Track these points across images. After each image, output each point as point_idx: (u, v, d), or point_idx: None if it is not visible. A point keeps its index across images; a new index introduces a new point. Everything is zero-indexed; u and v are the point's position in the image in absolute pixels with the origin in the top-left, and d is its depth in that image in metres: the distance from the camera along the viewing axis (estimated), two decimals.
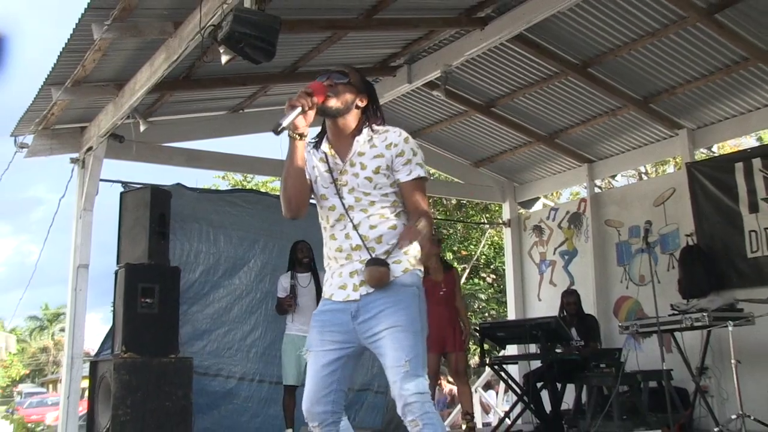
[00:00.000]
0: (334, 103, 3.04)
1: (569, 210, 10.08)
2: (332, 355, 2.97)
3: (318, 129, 3.27)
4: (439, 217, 17.97)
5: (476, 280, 19.18)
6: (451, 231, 18.96)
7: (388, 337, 2.85)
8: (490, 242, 18.38)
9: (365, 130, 3.09)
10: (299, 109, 2.91)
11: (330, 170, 3.07)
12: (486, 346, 8.46)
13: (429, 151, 10.14)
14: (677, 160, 8.66)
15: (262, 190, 12.70)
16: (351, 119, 3.10)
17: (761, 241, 7.79)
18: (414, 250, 2.99)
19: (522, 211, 10.85)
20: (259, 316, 8.09)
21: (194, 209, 7.91)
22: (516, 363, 8.95)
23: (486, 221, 16.96)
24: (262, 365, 8.00)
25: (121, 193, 7.24)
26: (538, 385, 7.80)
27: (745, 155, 8.25)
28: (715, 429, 6.27)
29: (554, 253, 10.16)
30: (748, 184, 7.93)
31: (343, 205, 3.02)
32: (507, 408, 9.43)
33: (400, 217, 3.04)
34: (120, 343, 6.38)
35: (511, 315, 10.50)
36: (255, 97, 8.17)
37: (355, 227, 2.98)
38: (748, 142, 12.46)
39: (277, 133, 2.90)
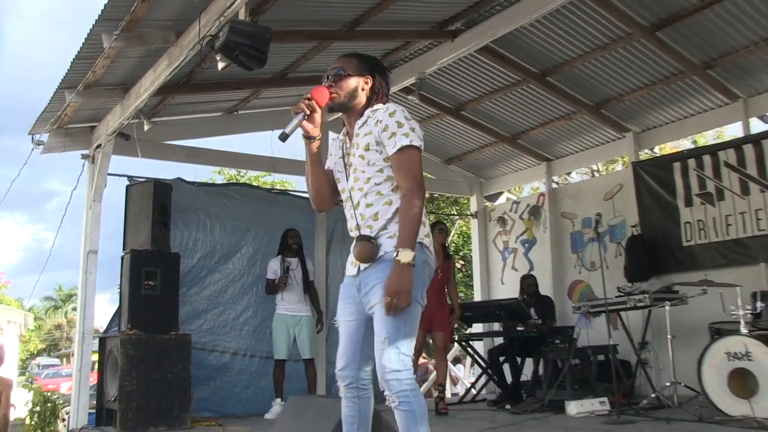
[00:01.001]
0: (337, 98, 2.96)
1: (529, 203, 10.20)
2: (353, 325, 2.93)
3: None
4: None
5: None
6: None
7: (377, 312, 2.76)
8: (459, 232, 18.50)
9: (366, 112, 2.98)
10: (301, 116, 2.87)
11: (343, 155, 3.01)
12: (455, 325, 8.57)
13: None
14: (625, 159, 8.79)
15: (255, 184, 12.65)
16: (361, 102, 3.00)
17: (694, 231, 7.98)
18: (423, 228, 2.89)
19: (487, 204, 10.94)
20: (251, 297, 8.16)
21: (193, 201, 7.98)
22: (481, 339, 9.09)
23: (456, 213, 17.08)
24: (254, 341, 8.08)
25: (127, 186, 7.28)
26: (501, 359, 7.92)
27: (682, 156, 8.43)
28: (652, 395, 6.42)
29: (516, 242, 10.27)
30: (684, 181, 8.11)
31: (347, 186, 2.96)
32: (473, 380, 9.55)
33: (397, 192, 2.87)
34: (126, 321, 6.47)
35: (477, 297, 10.60)
36: (248, 100, 8.23)
37: (354, 207, 2.92)
38: (685, 144, 12.63)
39: (283, 140, 2.87)
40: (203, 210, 8.06)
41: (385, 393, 2.70)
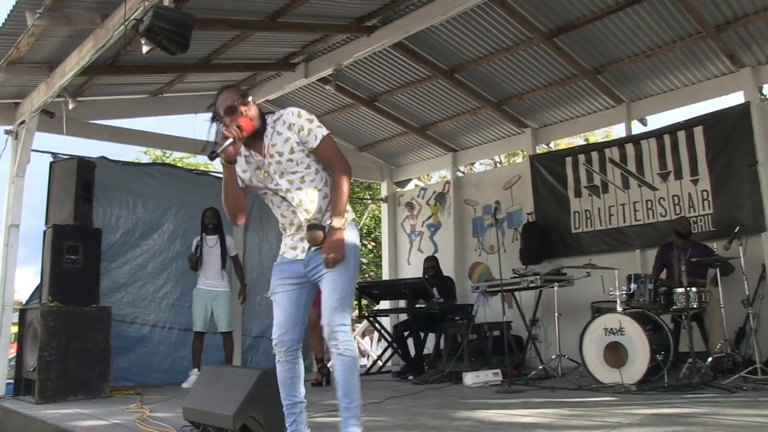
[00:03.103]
0: (254, 125, 3.06)
1: (436, 190, 10.37)
2: (294, 293, 3.14)
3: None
4: None
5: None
6: None
7: (327, 278, 3.03)
8: (371, 215, 18.60)
9: (268, 123, 3.13)
10: (231, 140, 2.94)
11: (259, 167, 3.13)
12: (364, 302, 8.64)
13: None
14: (524, 152, 9.04)
15: (179, 165, 12.35)
16: (260, 123, 3.11)
17: (582, 220, 8.32)
18: (349, 212, 3.16)
19: (397, 189, 11.05)
20: (171, 272, 8.04)
21: (116, 179, 7.77)
22: (387, 315, 9.19)
23: (369, 197, 17.17)
24: (173, 314, 7.97)
25: (51, 163, 7.02)
26: (405, 333, 8.04)
27: (574, 152, 8.77)
28: (540, 366, 6.69)
29: (422, 226, 10.44)
30: (575, 174, 8.44)
31: (279, 189, 3.11)
32: (379, 353, 9.68)
33: (327, 184, 3.14)
34: (47, 294, 6.26)
35: (385, 276, 10.72)
36: (173, 83, 8.03)
37: (297, 205, 3.10)
38: (577, 141, 13.08)
39: (212, 158, 2.98)
40: (126, 188, 7.87)
41: (331, 343, 2.99)
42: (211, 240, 7.31)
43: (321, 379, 6.71)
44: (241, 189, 3.17)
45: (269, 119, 3.15)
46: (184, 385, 6.94)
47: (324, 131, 3.12)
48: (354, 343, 3.05)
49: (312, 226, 3.06)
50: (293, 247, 3.17)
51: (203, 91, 8.65)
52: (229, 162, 3.02)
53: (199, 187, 8.50)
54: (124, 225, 7.81)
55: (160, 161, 16.23)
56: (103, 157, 7.62)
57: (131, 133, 8.28)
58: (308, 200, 3.11)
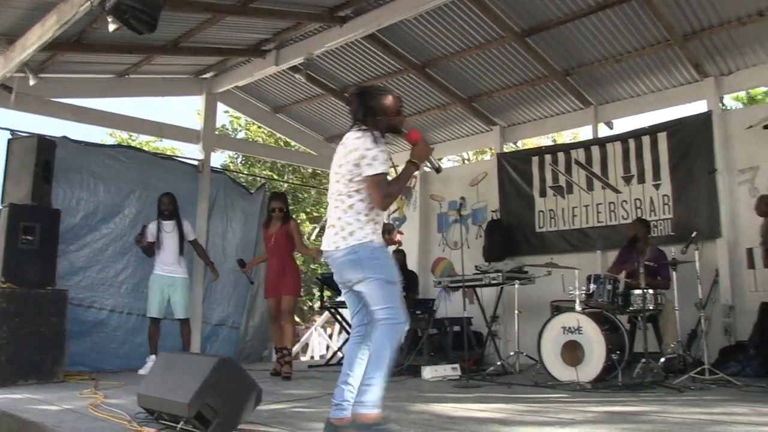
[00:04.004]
0: None
1: None
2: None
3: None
4: (296, 182, 18.01)
5: None
6: (306, 195, 19.01)
7: None
8: None
9: None
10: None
11: None
12: (327, 293, 8.63)
13: (289, 126, 10.20)
14: (491, 150, 9.12)
15: (145, 149, 12.15)
16: None
17: (546, 219, 8.44)
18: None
19: None
20: (131, 257, 7.92)
21: (78, 161, 7.62)
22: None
23: None
24: (132, 299, 7.87)
25: (9, 140, 6.82)
26: None
27: (540, 152, 8.88)
28: (498, 362, 6.77)
29: (388, 219, 10.44)
30: (540, 174, 8.54)
31: None
32: (340, 344, 9.68)
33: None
34: (0, 275, 6.10)
35: None
36: (140, 65, 7.91)
37: None
38: (545, 141, 13.22)
39: (439, 171, 3.67)
40: (88, 170, 7.72)
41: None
42: (168, 225, 7.21)
43: (280, 369, 6.63)
44: None
45: None
46: (141, 371, 6.86)
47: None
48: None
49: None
50: None
51: (172, 74, 8.54)
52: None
53: (163, 172, 8.39)
54: (84, 207, 7.67)
55: (125, 144, 15.99)
56: (65, 137, 7.46)
57: (96, 113, 8.10)
58: None
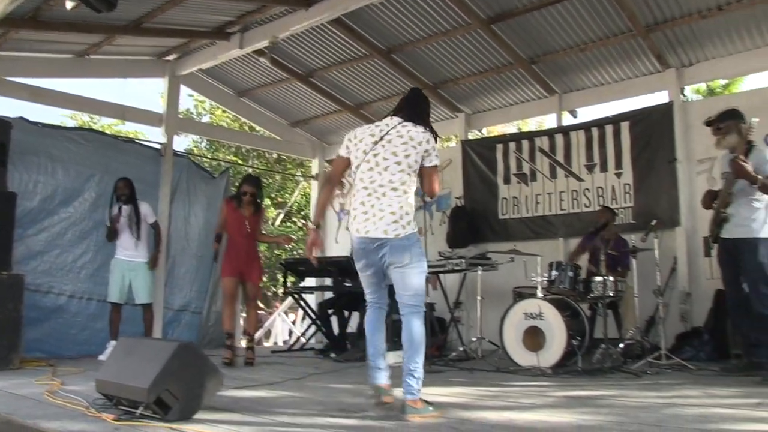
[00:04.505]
0: None
1: None
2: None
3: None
4: (260, 167, 17.87)
5: (289, 224, 19.29)
6: (271, 181, 18.88)
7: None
8: (303, 193, 18.51)
9: None
10: None
11: None
12: (291, 279, 8.56)
13: (253, 110, 10.09)
14: (456, 137, 9.15)
15: (107, 132, 11.86)
16: None
17: (509, 206, 8.51)
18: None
19: (329, 167, 10.99)
20: (91, 241, 7.78)
21: (35, 143, 7.42)
22: (312, 293, 9.15)
23: (301, 174, 17.04)
24: (91, 285, 7.73)
25: None
26: (329, 311, 8.05)
27: (505, 139, 8.93)
28: (461, 348, 6.82)
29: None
30: (504, 161, 8.60)
31: None
32: (303, 330, 9.66)
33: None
34: None
35: None
36: (100, 45, 7.71)
37: None
38: (510, 129, 13.22)
39: None
40: (45, 152, 7.53)
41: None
42: (125, 210, 7.08)
43: (231, 357, 6.28)
44: None
45: None
46: (101, 357, 6.74)
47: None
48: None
49: None
50: None
51: (134, 55, 8.37)
52: None
53: (124, 155, 8.24)
54: (42, 191, 7.49)
55: (86, 127, 15.67)
56: (21, 118, 7.26)
57: (54, 94, 7.88)
58: None
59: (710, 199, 5.19)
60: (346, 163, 3.83)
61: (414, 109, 3.84)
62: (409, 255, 3.52)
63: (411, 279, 3.53)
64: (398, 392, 3.49)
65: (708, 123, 5.20)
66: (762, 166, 4.73)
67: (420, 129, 3.68)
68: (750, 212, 4.80)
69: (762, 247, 4.72)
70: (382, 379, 3.58)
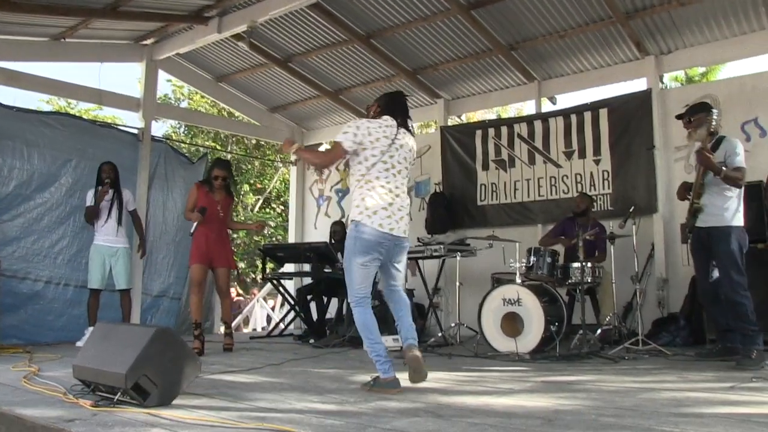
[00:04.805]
0: None
1: None
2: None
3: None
4: (239, 153, 17.75)
5: (268, 210, 19.19)
6: (249, 167, 18.77)
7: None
8: (282, 179, 18.42)
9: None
10: None
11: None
12: (270, 265, 8.54)
13: (232, 95, 10.00)
14: (435, 123, 9.15)
15: (85, 117, 11.68)
16: None
17: (488, 193, 8.53)
18: (357, 204, 3.89)
19: None
20: (68, 227, 7.70)
21: (10, 127, 7.31)
22: (291, 279, 9.13)
23: (279, 160, 16.94)
24: (69, 270, 7.66)
25: None
26: (308, 297, 8.04)
27: (484, 125, 8.95)
28: (439, 334, 6.85)
29: (330, 191, 10.42)
30: (483, 147, 8.62)
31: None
32: (282, 316, 9.63)
33: (356, 185, 3.94)
34: None
35: (291, 239, 10.65)
36: (77, 28, 7.57)
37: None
38: (489, 116, 13.33)
39: None
40: (20, 137, 7.41)
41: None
42: (108, 194, 7.01)
43: (200, 347, 6.02)
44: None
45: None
46: (79, 343, 6.69)
47: (337, 137, 3.94)
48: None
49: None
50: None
51: (111, 39, 8.24)
52: None
53: (101, 140, 8.13)
54: (18, 176, 7.38)
55: (63, 112, 15.43)
56: None
57: (29, 78, 7.71)
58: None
59: (684, 190, 5.27)
60: (344, 157, 3.98)
61: (406, 115, 4.16)
62: (406, 253, 4.09)
63: (404, 272, 4.16)
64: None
65: (679, 116, 5.30)
66: (731, 156, 4.84)
67: (413, 140, 4.15)
68: (722, 201, 4.88)
69: (734, 235, 4.82)
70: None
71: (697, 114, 5.07)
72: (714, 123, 4.83)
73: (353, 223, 3.88)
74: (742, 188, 4.91)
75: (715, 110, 4.91)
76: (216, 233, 6.40)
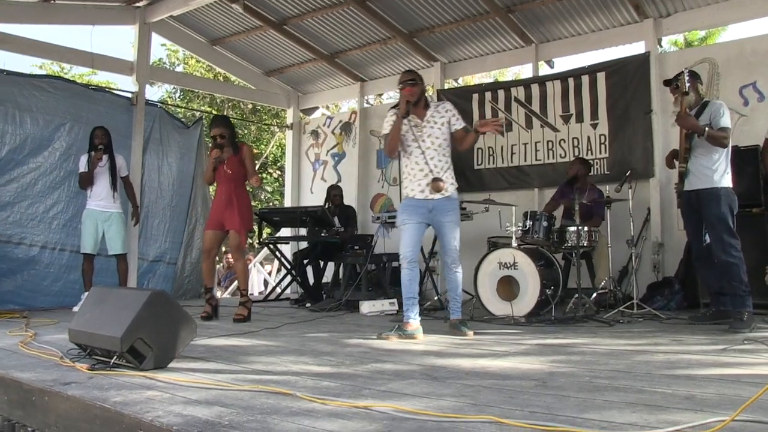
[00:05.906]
0: (413, 98, 4.76)
1: (342, 119, 10.29)
2: (418, 226, 4.81)
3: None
4: (236, 118, 17.60)
5: (264, 175, 19.12)
6: (246, 132, 18.63)
7: (449, 225, 4.84)
8: (278, 144, 18.31)
9: (431, 105, 4.91)
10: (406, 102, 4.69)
11: (416, 125, 4.82)
12: (266, 230, 8.53)
13: (227, 59, 9.88)
14: (432, 86, 9.07)
15: (78, 81, 11.53)
16: (420, 100, 4.83)
17: (484, 157, 8.49)
18: (453, 179, 4.90)
19: (303, 117, 10.88)
20: (62, 191, 7.66)
21: (1, 91, 7.22)
22: (287, 243, 9.13)
23: (276, 125, 16.82)
24: (64, 235, 7.64)
25: None
26: (305, 261, 8.06)
27: (480, 89, 8.85)
28: (435, 297, 6.89)
29: (327, 155, 10.37)
30: (480, 111, 8.55)
31: (421, 146, 4.77)
32: (278, 280, 9.66)
33: (449, 155, 4.90)
34: None
35: (288, 204, 10.64)
36: None
37: (429, 159, 4.76)
38: (486, 79, 13.18)
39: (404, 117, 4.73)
40: (12, 101, 7.33)
41: (450, 264, 4.93)
42: (102, 161, 6.96)
43: (210, 311, 6.07)
44: (398, 137, 4.75)
45: (432, 102, 5.00)
46: (75, 308, 6.66)
47: (463, 123, 4.93)
48: (461, 263, 4.96)
49: (438, 179, 4.73)
50: (421, 191, 4.77)
51: (102, 0, 8.09)
52: (403, 116, 4.69)
53: (95, 104, 8.05)
54: (10, 141, 7.32)
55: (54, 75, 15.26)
56: None
57: (19, 40, 7.58)
58: (438, 158, 4.79)
59: (672, 157, 5.25)
60: None
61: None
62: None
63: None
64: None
65: (667, 83, 5.24)
66: (716, 117, 4.82)
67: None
68: (710, 162, 4.86)
69: (723, 197, 4.80)
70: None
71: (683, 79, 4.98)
72: (701, 90, 4.82)
73: (457, 192, 4.92)
74: (729, 148, 4.89)
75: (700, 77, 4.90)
76: (225, 195, 6.07)
